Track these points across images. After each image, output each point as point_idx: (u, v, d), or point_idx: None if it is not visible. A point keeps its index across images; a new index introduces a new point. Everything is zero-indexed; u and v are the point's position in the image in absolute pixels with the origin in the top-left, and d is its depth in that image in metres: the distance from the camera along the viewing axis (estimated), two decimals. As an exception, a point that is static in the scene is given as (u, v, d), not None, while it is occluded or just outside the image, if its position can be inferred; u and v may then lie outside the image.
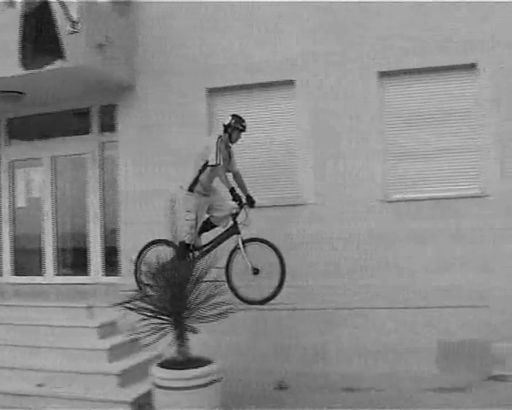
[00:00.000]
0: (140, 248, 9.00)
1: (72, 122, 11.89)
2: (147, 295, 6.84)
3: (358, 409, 6.90)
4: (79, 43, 8.88)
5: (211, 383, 6.33)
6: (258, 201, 8.78)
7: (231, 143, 8.85)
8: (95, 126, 11.62)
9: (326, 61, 9.88)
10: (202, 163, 8.62)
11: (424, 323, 7.99)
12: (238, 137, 8.87)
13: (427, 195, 9.32)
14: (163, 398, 6.32)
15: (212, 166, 8.48)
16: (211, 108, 10.52)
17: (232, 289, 8.70)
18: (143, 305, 6.61)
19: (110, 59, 9.91)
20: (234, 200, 8.48)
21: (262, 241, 8.58)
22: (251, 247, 8.56)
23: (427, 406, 6.88)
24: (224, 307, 6.75)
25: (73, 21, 7.42)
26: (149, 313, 6.58)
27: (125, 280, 9.48)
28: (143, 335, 6.41)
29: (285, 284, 8.40)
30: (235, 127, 8.77)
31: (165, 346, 6.70)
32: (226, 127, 8.77)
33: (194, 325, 6.64)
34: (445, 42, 9.39)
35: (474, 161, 9.39)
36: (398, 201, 9.52)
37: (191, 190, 8.69)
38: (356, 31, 9.77)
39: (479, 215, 9.12)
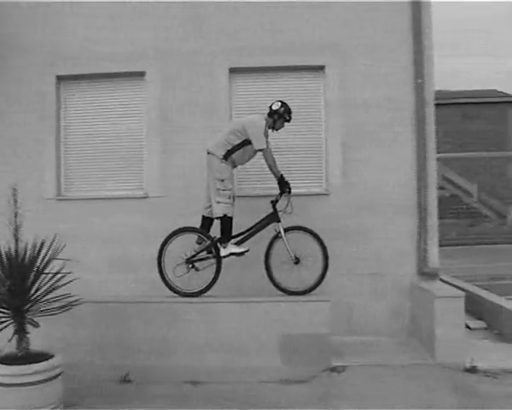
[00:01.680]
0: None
1: None
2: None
3: (199, 401, 6.82)
4: None
5: (52, 378, 6.04)
6: (102, 192, 8.47)
7: (274, 129, 8.53)
8: None
9: (178, 55, 9.81)
10: (240, 139, 8.22)
11: (266, 316, 8.07)
12: (282, 126, 8.55)
13: (273, 191, 9.41)
14: (3, 396, 5.89)
15: (259, 149, 8.18)
16: (59, 96, 10.08)
17: (271, 278, 8.43)
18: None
19: None
20: (281, 187, 8.26)
21: (304, 229, 8.40)
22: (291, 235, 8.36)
23: (265, 397, 6.91)
24: (68, 300, 6.52)
25: None
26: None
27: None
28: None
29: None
30: (283, 116, 8.44)
31: (6, 341, 6.27)
32: (273, 113, 8.42)
33: (36, 319, 6.32)
34: (295, 43, 9.65)
35: (317, 159, 9.71)
36: (246, 196, 9.52)
37: (226, 158, 8.22)
38: (209, 27, 9.79)
39: (322, 213, 9.43)
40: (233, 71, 9.75)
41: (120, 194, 9.87)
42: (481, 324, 10.01)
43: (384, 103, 9.55)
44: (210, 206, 8.46)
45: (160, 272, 8.48)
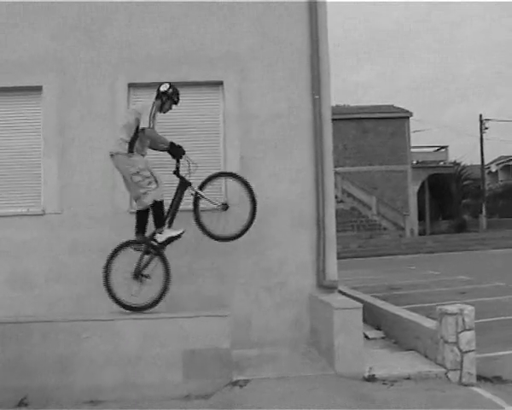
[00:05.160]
0: None
1: None
2: None
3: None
4: None
5: None
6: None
7: (162, 112, 8.43)
8: None
9: (76, 68, 9.67)
10: (134, 127, 8.11)
11: (167, 332, 7.98)
12: (170, 108, 8.51)
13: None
14: None
15: (143, 129, 8.02)
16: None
17: (208, 234, 8.61)
18: None
19: None
20: (175, 153, 8.28)
21: (215, 176, 8.63)
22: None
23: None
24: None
25: None
26: None
27: None
28: None
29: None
30: (171, 97, 8.40)
31: None
32: (162, 94, 8.35)
33: None
34: (194, 57, 9.69)
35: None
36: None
37: (131, 150, 8.09)
38: (108, 40, 9.70)
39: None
40: (132, 85, 9.66)
41: (16, 211, 9.55)
42: (379, 333, 10.24)
43: (283, 117, 9.68)
44: (138, 198, 8.40)
45: (107, 287, 8.29)
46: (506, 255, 29.83)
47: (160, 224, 8.34)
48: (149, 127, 8.09)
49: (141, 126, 8.12)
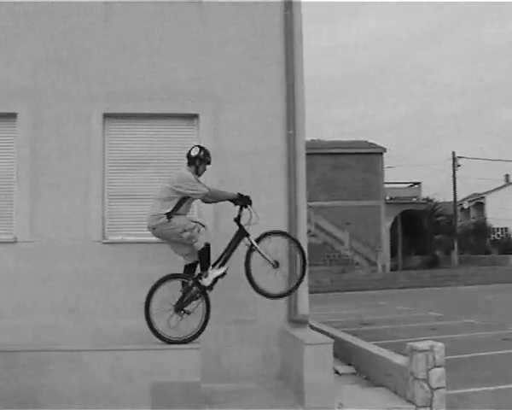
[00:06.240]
0: None
1: None
2: None
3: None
4: None
5: None
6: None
7: (198, 175, 8.36)
8: None
9: (51, 97, 9.63)
10: (175, 201, 8.11)
11: (136, 365, 7.90)
12: (204, 169, 8.46)
13: (145, 238, 9.31)
14: None
15: (204, 196, 8.24)
16: None
17: (258, 291, 8.58)
18: None
19: None
20: (242, 202, 8.33)
21: (272, 233, 8.57)
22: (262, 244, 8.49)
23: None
24: None
25: None
26: None
27: None
28: None
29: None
30: (204, 159, 8.35)
31: None
32: (194, 159, 8.29)
33: None
34: (170, 90, 9.70)
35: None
36: (115, 242, 9.43)
37: (170, 216, 8.07)
38: (83, 70, 9.71)
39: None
40: (107, 116, 9.66)
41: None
42: (350, 369, 10.22)
43: (257, 153, 9.72)
44: (187, 254, 8.45)
45: (148, 320, 8.16)
46: (477, 292, 30.08)
47: (206, 266, 8.32)
48: (209, 190, 8.24)
49: (198, 197, 8.29)
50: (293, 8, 9.83)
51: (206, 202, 8.72)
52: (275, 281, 8.65)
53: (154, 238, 8.57)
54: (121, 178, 9.67)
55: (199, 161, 8.39)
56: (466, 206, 75.87)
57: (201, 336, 8.75)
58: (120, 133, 9.74)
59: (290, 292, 9.01)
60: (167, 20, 9.82)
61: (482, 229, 61.79)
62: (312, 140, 44.35)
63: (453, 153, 54.99)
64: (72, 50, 9.69)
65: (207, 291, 8.39)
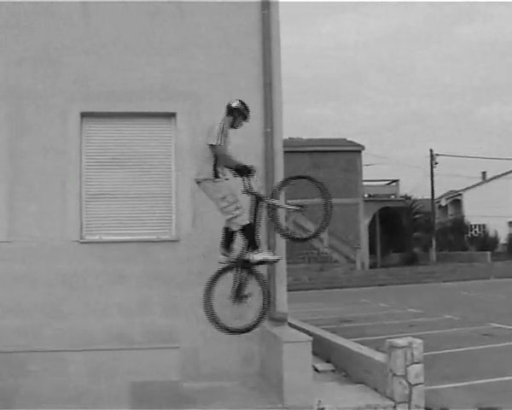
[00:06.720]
0: None
1: None
2: None
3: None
4: None
5: None
6: None
7: (234, 127, 8.16)
8: None
9: (29, 96, 9.54)
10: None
11: (115, 364, 7.89)
12: (240, 124, 8.23)
13: (123, 237, 9.31)
14: None
15: (211, 145, 7.77)
16: None
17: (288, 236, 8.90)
18: None
19: None
20: (241, 173, 8.00)
21: (287, 180, 8.49)
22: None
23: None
24: None
25: None
26: None
27: None
28: None
29: None
30: (242, 113, 8.17)
31: None
32: (233, 110, 8.11)
33: None
34: (147, 89, 9.66)
35: (167, 206, 9.66)
36: (93, 242, 9.38)
37: (216, 175, 7.82)
38: (61, 69, 9.63)
39: (171, 259, 9.35)
40: (84, 115, 9.60)
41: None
42: (329, 366, 10.26)
43: (235, 151, 9.68)
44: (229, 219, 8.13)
45: (211, 316, 7.96)
46: (455, 288, 30.32)
47: (253, 245, 8.03)
48: (219, 144, 7.83)
49: (207, 141, 7.93)
50: (270, 7, 9.85)
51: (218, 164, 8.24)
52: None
53: (132, 238, 8.57)
54: (99, 178, 9.62)
55: (237, 113, 8.23)
56: (444, 203, 76.44)
57: (181, 335, 8.78)
58: (98, 132, 9.69)
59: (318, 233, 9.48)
60: (146, 20, 9.79)
61: (460, 226, 62.29)
62: (290, 138, 44.40)
63: (431, 151, 55.32)
64: (50, 50, 9.62)
65: (255, 269, 8.12)
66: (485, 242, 57.21)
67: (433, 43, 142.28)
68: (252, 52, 9.88)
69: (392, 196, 49.78)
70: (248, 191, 8.09)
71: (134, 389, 7.79)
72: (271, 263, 8.39)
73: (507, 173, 68.81)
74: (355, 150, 46.04)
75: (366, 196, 46.84)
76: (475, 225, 64.16)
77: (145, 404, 7.75)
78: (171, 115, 9.73)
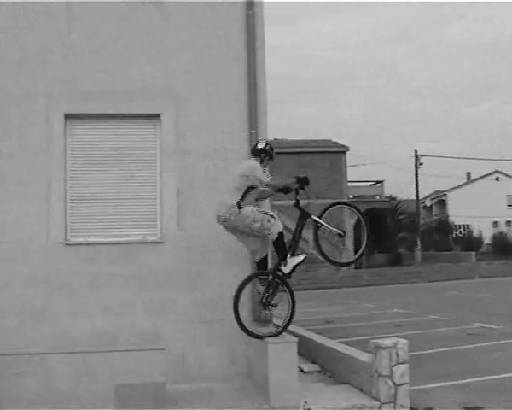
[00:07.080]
0: None
1: None
2: None
3: None
4: None
5: None
6: None
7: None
8: None
9: (12, 97, 9.49)
10: (244, 188, 8.04)
11: (100, 366, 7.87)
12: (267, 164, 8.43)
13: (108, 239, 9.27)
14: None
15: (266, 183, 8.10)
16: None
17: (329, 260, 9.21)
18: None
19: None
20: (295, 188, 8.31)
21: (333, 205, 8.82)
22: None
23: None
24: None
25: None
26: None
27: None
28: None
29: None
30: (269, 153, 8.33)
31: None
32: (260, 152, 8.27)
33: None
34: (132, 90, 9.64)
35: (153, 207, 9.62)
36: (78, 244, 9.33)
37: (240, 205, 7.98)
38: (44, 70, 9.58)
39: (157, 261, 9.32)
40: (68, 117, 9.55)
41: None
42: (315, 367, 10.27)
43: (219, 152, 9.69)
44: (256, 250, 8.44)
45: (239, 321, 8.26)
46: (440, 289, 30.46)
47: (283, 255, 8.28)
48: (271, 179, 8.21)
49: (261, 185, 8.17)
50: (255, 7, 9.85)
51: (264, 197, 8.76)
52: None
53: (118, 239, 8.52)
54: (84, 179, 9.58)
55: (264, 154, 8.40)
56: (428, 204, 76.85)
57: (167, 337, 8.76)
58: (82, 134, 9.66)
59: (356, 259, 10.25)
60: (129, 21, 9.75)
61: (445, 226, 62.61)
62: (276, 139, 44.45)
63: (415, 151, 55.55)
64: (33, 50, 9.57)
65: (288, 281, 8.44)
66: (470, 242, 57.50)
67: (424, 44, 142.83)
68: (236, 52, 9.87)
69: (377, 197, 49.99)
70: (296, 205, 8.50)
71: (119, 391, 7.74)
72: (302, 263, 8.53)
73: (491, 174, 69.35)
74: (339, 151, 46.18)
75: (351, 196, 46.98)
76: (460, 226, 64.57)
77: (130, 405, 7.70)
78: (156, 116, 9.69)
